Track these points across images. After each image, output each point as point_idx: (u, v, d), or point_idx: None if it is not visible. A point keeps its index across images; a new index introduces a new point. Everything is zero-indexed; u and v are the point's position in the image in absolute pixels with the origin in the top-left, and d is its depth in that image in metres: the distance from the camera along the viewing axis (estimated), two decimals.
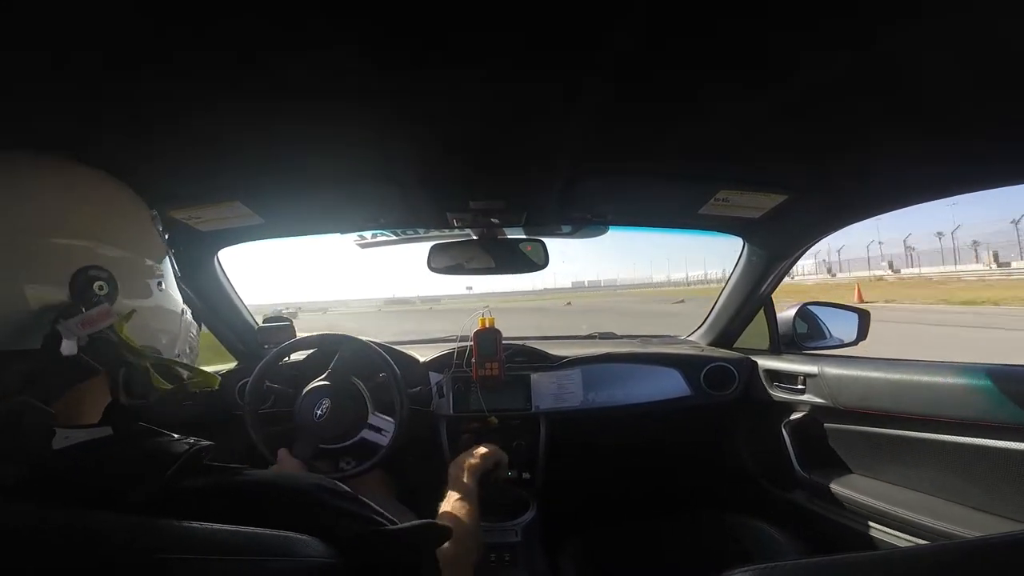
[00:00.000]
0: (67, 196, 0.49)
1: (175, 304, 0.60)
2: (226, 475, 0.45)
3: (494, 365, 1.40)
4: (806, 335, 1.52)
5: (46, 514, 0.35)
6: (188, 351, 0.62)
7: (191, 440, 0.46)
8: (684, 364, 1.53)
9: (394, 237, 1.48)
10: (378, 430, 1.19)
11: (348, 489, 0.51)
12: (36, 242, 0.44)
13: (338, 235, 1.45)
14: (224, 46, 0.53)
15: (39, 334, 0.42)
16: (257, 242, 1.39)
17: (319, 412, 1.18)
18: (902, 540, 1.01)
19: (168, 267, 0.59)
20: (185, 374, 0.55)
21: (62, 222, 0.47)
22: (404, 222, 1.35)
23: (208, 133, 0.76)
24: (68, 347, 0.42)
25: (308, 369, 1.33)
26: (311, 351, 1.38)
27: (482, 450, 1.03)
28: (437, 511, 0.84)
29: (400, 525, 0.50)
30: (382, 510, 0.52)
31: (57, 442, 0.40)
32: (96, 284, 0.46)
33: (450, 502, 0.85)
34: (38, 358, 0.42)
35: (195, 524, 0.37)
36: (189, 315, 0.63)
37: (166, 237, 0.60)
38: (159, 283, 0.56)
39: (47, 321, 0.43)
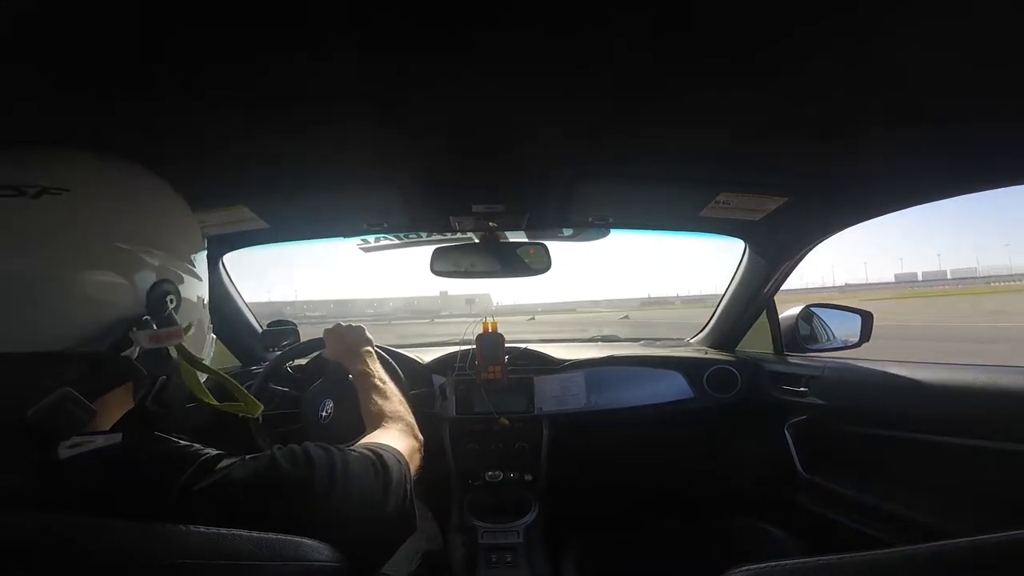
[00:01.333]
0: (149, 207, 0.51)
1: (208, 319, 0.61)
2: (233, 473, 0.45)
3: (497, 368, 1.40)
4: (809, 337, 1.52)
5: (52, 520, 0.35)
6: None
7: (201, 449, 0.46)
8: (687, 366, 1.53)
9: (396, 241, 1.49)
10: None
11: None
12: (127, 252, 0.46)
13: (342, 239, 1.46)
14: (228, 51, 0.54)
15: (110, 340, 0.44)
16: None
17: (324, 413, 1.19)
18: (903, 540, 1.01)
19: (206, 281, 0.61)
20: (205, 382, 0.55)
21: (147, 233, 0.48)
22: (407, 226, 1.36)
23: (214, 137, 0.77)
24: (132, 350, 0.44)
25: (312, 372, 1.34)
26: (315, 354, 1.39)
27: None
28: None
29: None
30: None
31: (72, 448, 0.40)
32: (168, 297, 0.48)
33: (384, 416, 0.80)
34: (95, 359, 0.43)
35: (203, 529, 0.37)
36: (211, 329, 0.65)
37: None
38: (204, 298, 0.58)
39: (122, 329, 0.44)
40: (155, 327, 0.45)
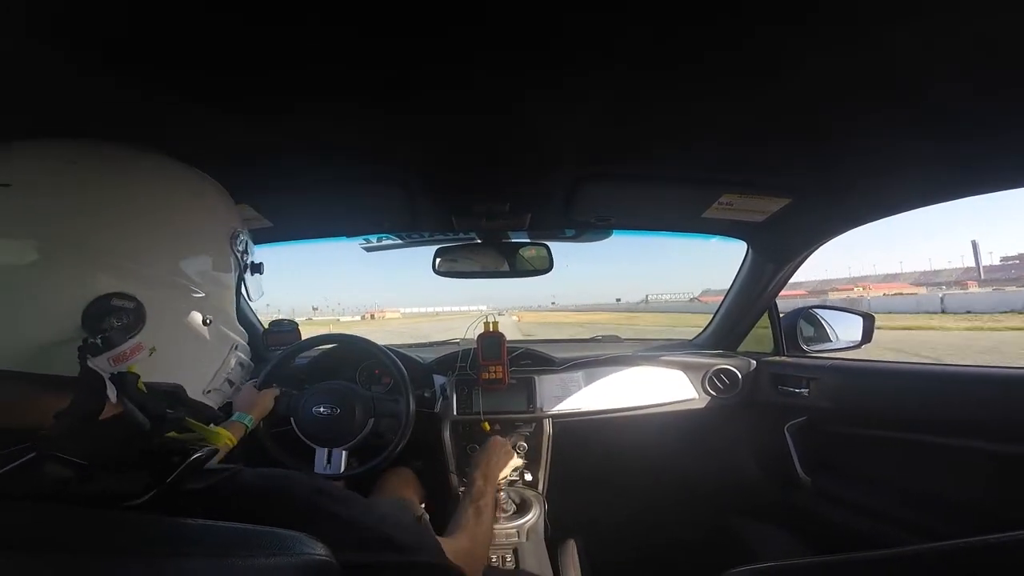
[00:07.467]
0: (111, 204, 0.43)
1: (223, 340, 0.53)
2: (223, 478, 0.43)
3: (498, 368, 1.41)
4: (810, 338, 1.53)
5: (39, 510, 0.34)
6: (228, 385, 0.55)
7: (193, 446, 0.44)
8: (688, 367, 1.53)
9: (399, 241, 1.50)
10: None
11: (350, 492, 0.49)
12: (61, 257, 0.40)
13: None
14: (230, 51, 0.54)
15: (60, 361, 0.38)
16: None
17: (324, 411, 1.20)
18: (902, 541, 1.01)
19: (229, 295, 0.54)
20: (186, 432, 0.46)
21: (96, 236, 0.41)
22: (409, 225, 1.36)
23: (216, 135, 0.77)
24: (111, 391, 0.37)
25: (314, 370, 1.34)
26: (316, 354, 1.40)
27: (511, 460, 1.04)
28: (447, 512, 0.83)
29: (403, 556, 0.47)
30: (387, 514, 0.49)
31: None
32: (114, 315, 0.40)
33: (476, 511, 0.82)
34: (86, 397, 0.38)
35: (189, 521, 0.36)
36: (241, 348, 0.56)
37: (243, 258, 0.54)
38: (206, 319, 0.49)
39: (69, 353, 0.38)
40: (100, 346, 0.38)
